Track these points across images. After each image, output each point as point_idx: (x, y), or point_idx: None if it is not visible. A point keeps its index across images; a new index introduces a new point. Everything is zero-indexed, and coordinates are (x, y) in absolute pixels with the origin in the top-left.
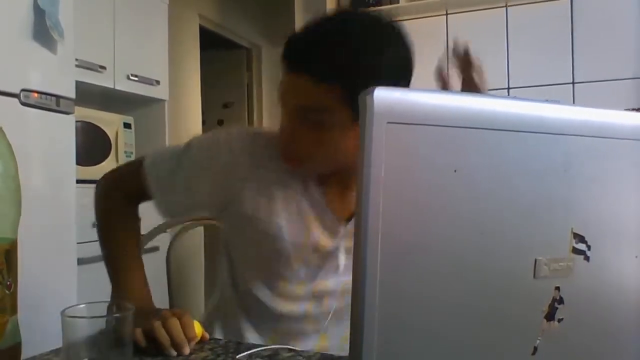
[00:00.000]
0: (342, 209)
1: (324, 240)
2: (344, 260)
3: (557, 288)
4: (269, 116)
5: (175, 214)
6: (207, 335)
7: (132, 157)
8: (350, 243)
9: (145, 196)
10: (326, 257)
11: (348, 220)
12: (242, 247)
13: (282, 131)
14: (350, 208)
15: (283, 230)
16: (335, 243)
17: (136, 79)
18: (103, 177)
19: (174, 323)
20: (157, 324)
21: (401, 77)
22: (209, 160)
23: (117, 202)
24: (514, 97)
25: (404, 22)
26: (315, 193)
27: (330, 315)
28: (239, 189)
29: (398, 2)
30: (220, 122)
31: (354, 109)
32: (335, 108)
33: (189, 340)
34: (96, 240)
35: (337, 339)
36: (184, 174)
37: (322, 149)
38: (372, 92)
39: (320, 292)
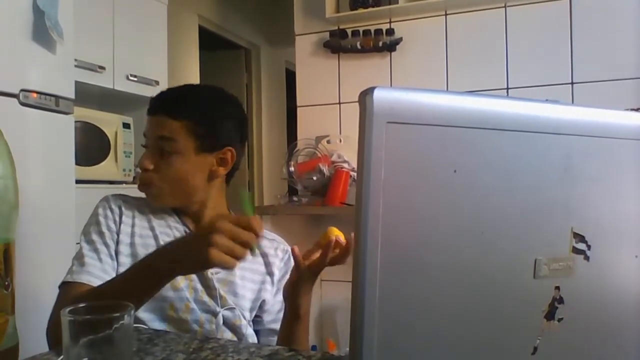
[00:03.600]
0: None
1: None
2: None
3: (557, 288)
4: (268, 116)
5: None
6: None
7: (131, 158)
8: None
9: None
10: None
11: None
12: None
13: (140, 163)
14: None
15: None
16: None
17: (135, 79)
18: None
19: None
20: (229, 227)
21: (237, 128)
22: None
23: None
24: (514, 97)
25: (403, 22)
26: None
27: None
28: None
29: (397, 2)
30: None
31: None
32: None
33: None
34: None
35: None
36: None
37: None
38: (372, 91)
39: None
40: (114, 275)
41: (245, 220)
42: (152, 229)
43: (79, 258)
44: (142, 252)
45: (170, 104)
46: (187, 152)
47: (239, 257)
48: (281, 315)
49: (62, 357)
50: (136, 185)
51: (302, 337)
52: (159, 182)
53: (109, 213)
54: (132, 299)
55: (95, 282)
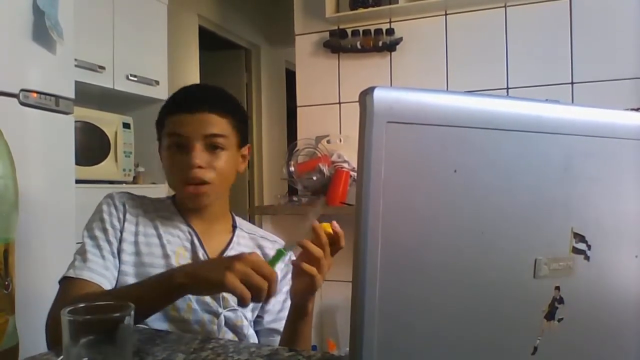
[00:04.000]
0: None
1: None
2: None
3: (557, 288)
4: (268, 116)
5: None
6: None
7: (131, 158)
8: None
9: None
10: None
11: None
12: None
13: (186, 160)
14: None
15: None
16: None
17: (135, 79)
18: (48, 322)
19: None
20: (249, 272)
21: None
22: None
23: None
24: (514, 97)
25: (403, 22)
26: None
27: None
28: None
29: (397, 2)
30: None
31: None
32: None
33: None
34: None
35: None
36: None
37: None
38: (372, 91)
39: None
40: (115, 273)
41: (268, 269)
42: (156, 227)
43: (81, 254)
44: (146, 251)
45: (214, 101)
46: (232, 148)
47: (252, 287)
48: (282, 315)
49: (62, 357)
50: (136, 185)
51: (307, 335)
52: (211, 179)
53: (113, 210)
54: (142, 308)
55: (97, 279)
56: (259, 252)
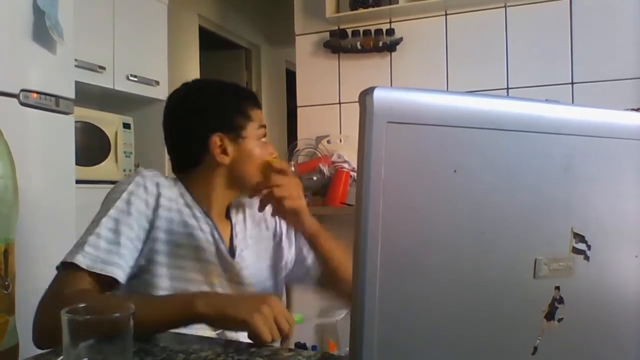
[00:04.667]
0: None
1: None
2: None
3: (557, 288)
4: (268, 116)
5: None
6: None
7: (132, 157)
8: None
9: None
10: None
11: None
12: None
13: (271, 150)
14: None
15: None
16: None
17: (135, 79)
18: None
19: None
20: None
21: None
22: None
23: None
24: (514, 97)
25: (403, 22)
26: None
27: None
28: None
29: (397, 2)
30: None
31: None
32: None
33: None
34: None
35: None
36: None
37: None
38: (372, 91)
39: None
40: (131, 262)
41: (288, 315)
42: (185, 215)
43: (94, 238)
44: (179, 241)
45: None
46: None
47: (276, 330)
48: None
49: (62, 357)
50: None
51: (334, 247)
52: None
53: (142, 192)
54: (149, 326)
55: (108, 270)
56: (255, 218)
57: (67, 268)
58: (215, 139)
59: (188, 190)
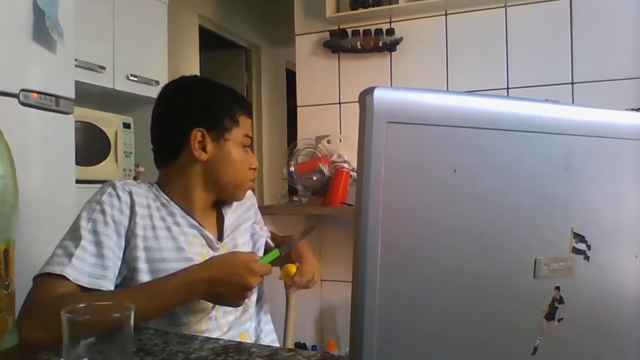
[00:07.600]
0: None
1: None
2: None
3: (557, 288)
4: (268, 116)
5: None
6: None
7: (132, 158)
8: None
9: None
10: None
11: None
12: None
13: (252, 160)
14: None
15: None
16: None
17: (135, 79)
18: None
19: None
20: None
21: None
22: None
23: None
24: (514, 97)
25: (403, 22)
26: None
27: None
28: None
29: (397, 2)
30: None
31: None
32: None
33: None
34: None
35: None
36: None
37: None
38: (372, 91)
39: None
40: (116, 270)
41: (269, 270)
42: (163, 219)
43: (76, 251)
44: (157, 245)
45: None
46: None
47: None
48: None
49: (62, 357)
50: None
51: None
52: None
53: (115, 201)
54: (148, 314)
55: (96, 284)
56: (244, 207)
57: (51, 277)
58: (197, 133)
59: (164, 189)
